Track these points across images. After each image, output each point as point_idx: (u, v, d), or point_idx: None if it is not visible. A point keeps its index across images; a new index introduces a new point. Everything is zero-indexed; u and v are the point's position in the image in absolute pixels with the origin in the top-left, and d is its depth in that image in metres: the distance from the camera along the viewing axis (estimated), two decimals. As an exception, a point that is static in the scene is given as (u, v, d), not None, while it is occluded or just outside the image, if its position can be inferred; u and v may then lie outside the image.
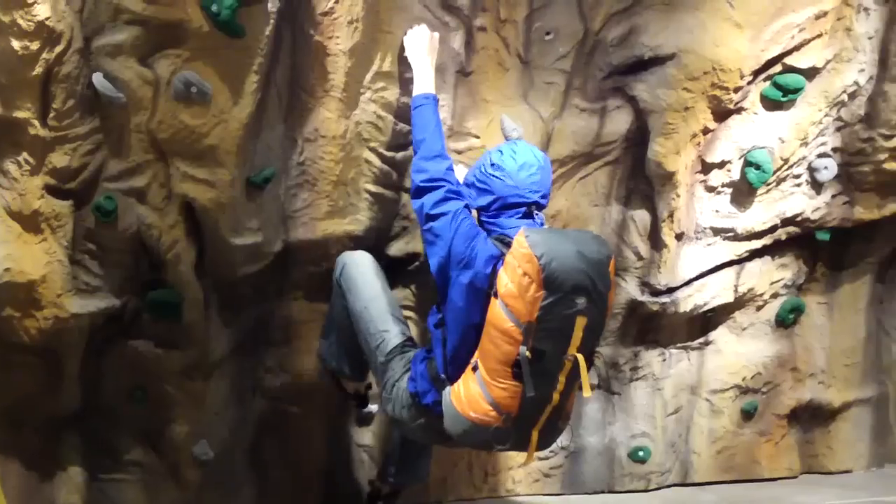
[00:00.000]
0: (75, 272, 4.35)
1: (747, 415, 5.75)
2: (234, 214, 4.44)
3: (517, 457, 5.29)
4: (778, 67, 5.01)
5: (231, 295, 4.70)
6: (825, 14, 4.94)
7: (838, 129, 5.26)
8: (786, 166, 5.21)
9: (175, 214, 4.40)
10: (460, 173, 4.55)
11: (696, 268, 5.34)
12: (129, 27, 4.08)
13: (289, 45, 4.35)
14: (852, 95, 5.17)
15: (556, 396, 3.90)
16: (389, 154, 4.65)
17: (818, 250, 5.68)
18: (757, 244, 5.42)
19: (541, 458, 5.46)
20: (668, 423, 5.64)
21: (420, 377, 4.15)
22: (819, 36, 4.98)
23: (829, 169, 5.29)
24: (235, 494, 4.99)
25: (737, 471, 5.82)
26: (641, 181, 5.07)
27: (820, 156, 5.29)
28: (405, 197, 4.75)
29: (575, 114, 4.88)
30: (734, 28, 4.80)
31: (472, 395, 3.90)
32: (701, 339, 5.63)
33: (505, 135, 4.70)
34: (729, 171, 5.16)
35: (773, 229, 5.40)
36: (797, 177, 5.30)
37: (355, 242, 4.66)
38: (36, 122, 4.03)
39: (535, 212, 4.06)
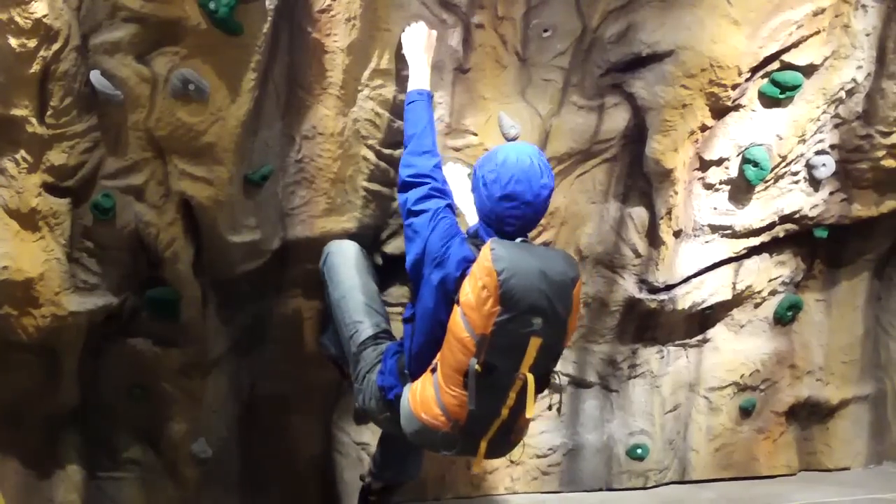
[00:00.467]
0: (73, 270, 4.35)
1: (745, 412, 5.76)
2: (232, 212, 4.43)
3: (516, 454, 5.32)
4: (776, 64, 5.01)
5: (229, 293, 4.70)
6: (823, 11, 4.93)
7: (836, 126, 5.26)
8: (784, 163, 5.21)
9: (173, 212, 4.40)
10: (459, 171, 4.55)
11: (694, 265, 5.34)
12: (126, 24, 4.07)
13: (286, 42, 4.35)
14: (850, 92, 5.17)
15: (504, 411, 3.86)
16: (387, 151, 4.64)
17: (816, 247, 5.68)
18: (755, 241, 5.42)
19: (539, 456, 5.47)
20: (666, 421, 5.64)
21: (389, 372, 4.16)
22: (817, 33, 4.98)
23: (826, 166, 5.29)
24: (233, 492, 4.99)
25: (735, 468, 5.82)
26: (639, 178, 5.07)
27: (818, 153, 5.29)
28: (402, 194, 4.76)
29: (573, 111, 4.88)
30: (732, 25, 4.79)
31: (426, 397, 3.90)
32: (699, 337, 5.64)
33: (503, 132, 4.70)
34: (727, 168, 5.16)
35: (770, 226, 5.40)
36: (795, 174, 5.30)
37: (352, 239, 4.65)
38: (33, 120, 4.03)
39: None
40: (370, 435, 5.14)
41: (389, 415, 4.18)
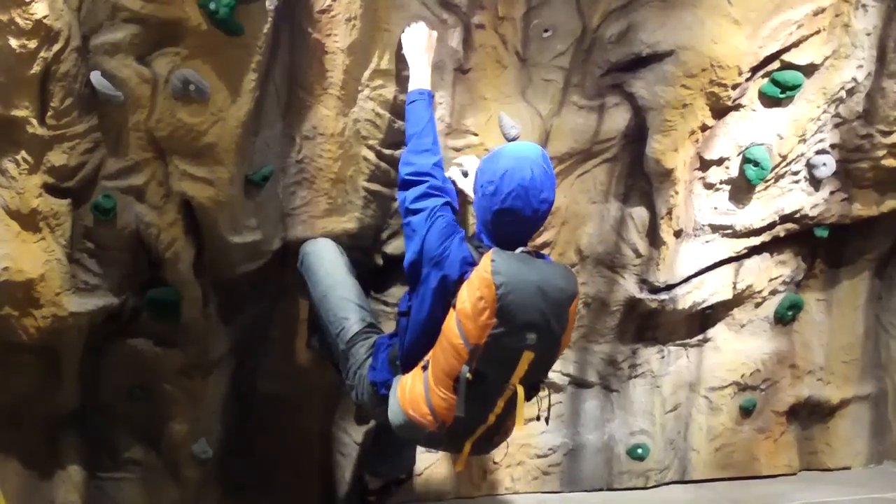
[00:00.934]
0: (74, 271, 4.35)
1: (746, 412, 5.76)
2: (233, 213, 4.43)
3: (516, 454, 5.33)
4: (776, 64, 5.01)
5: (230, 293, 4.70)
6: (823, 10, 4.94)
7: (836, 126, 5.26)
8: (784, 163, 5.21)
9: (174, 213, 4.40)
10: (474, 163, 4.54)
11: (694, 265, 5.34)
12: (127, 25, 4.07)
13: (287, 42, 4.35)
14: (850, 92, 5.17)
15: (491, 418, 3.89)
16: (387, 152, 4.64)
17: (817, 247, 5.69)
18: (755, 241, 5.42)
19: (539, 456, 5.47)
20: (666, 421, 5.65)
21: (381, 366, 4.16)
22: (817, 32, 4.98)
23: (827, 165, 5.29)
24: (234, 493, 4.99)
25: (735, 468, 5.82)
26: (640, 178, 5.07)
27: (818, 152, 5.29)
28: (402, 195, 4.76)
29: (573, 111, 4.88)
30: (732, 25, 4.79)
31: (415, 394, 3.90)
32: (699, 337, 5.64)
33: (503, 133, 4.70)
34: (727, 168, 5.16)
35: (771, 226, 5.40)
36: (795, 173, 5.30)
37: (353, 240, 4.67)
38: (34, 121, 4.02)
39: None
40: (372, 436, 5.14)
41: (383, 409, 4.17)
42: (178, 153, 4.29)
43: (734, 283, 5.51)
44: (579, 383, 5.49)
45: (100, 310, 4.42)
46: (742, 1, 4.78)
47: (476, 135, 4.74)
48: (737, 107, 5.04)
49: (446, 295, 3.88)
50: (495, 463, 5.39)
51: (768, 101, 5.07)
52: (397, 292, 4.84)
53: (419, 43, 4.41)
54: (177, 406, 4.76)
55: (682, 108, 4.87)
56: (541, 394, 4.01)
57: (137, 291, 4.54)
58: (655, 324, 5.46)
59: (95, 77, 4.06)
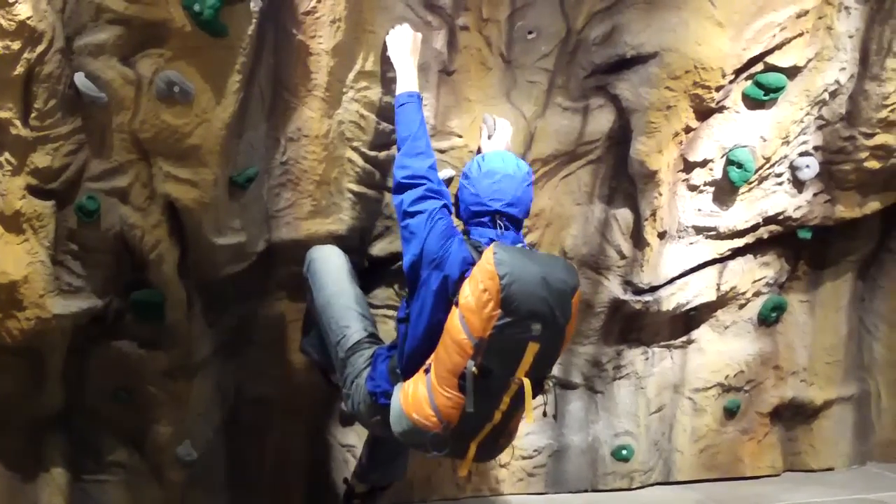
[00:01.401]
0: (57, 273, 4.33)
1: (730, 413, 5.77)
2: (217, 214, 4.43)
3: (502, 455, 5.31)
4: (759, 66, 5.03)
5: (214, 295, 4.69)
6: (806, 13, 4.95)
7: (820, 128, 5.28)
8: (767, 165, 5.23)
9: (158, 214, 4.39)
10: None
11: (678, 266, 5.35)
12: (111, 27, 4.06)
13: (271, 44, 4.34)
14: (833, 94, 5.19)
15: (497, 415, 3.88)
16: (372, 153, 4.64)
17: (800, 248, 5.70)
18: (739, 243, 5.43)
19: (524, 458, 5.47)
20: (651, 422, 5.65)
21: (379, 376, 4.16)
22: (800, 35, 5.00)
23: (810, 167, 5.30)
24: (219, 495, 4.98)
25: (720, 469, 5.83)
26: (624, 180, 5.08)
27: (801, 154, 5.30)
28: (388, 196, 4.75)
29: (558, 112, 4.89)
30: (716, 27, 4.81)
31: (418, 398, 3.90)
32: (684, 338, 5.65)
33: (488, 133, 4.70)
34: (711, 169, 5.18)
35: (755, 228, 5.41)
36: (779, 175, 5.32)
37: (338, 242, 4.65)
38: (17, 123, 4.01)
39: (503, 223, 4.04)
40: (356, 437, 5.14)
41: (380, 419, 4.17)
42: (162, 155, 4.28)
43: (718, 285, 5.52)
44: (564, 384, 5.49)
45: (84, 312, 4.41)
46: (726, 3, 4.80)
47: (460, 136, 4.74)
48: (720, 109, 5.05)
49: (447, 295, 3.89)
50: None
51: (752, 103, 5.08)
52: (382, 294, 4.85)
53: (404, 45, 4.42)
54: (161, 408, 4.74)
55: (666, 109, 4.89)
56: (546, 388, 4.02)
57: (121, 293, 4.52)
58: (640, 325, 5.47)
59: (79, 78, 4.05)
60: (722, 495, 5.60)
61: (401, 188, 4.13)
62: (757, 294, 5.68)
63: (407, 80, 4.37)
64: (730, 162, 5.13)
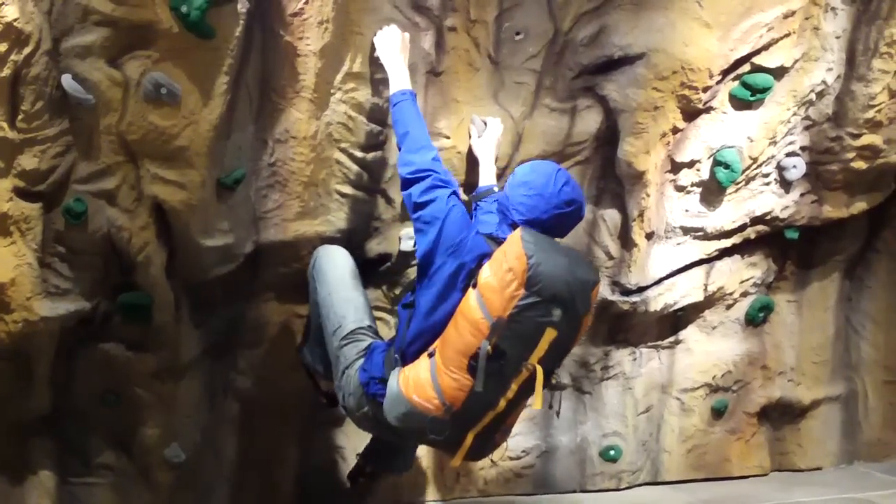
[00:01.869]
0: (45, 275, 4.31)
1: (718, 413, 5.78)
2: (205, 216, 4.42)
3: (490, 456, 5.31)
4: (747, 67, 5.03)
5: (202, 297, 4.68)
6: (793, 13, 4.96)
7: (807, 128, 5.29)
8: (755, 165, 5.23)
9: (145, 216, 4.38)
10: (478, 121, 4.67)
11: (666, 267, 5.36)
12: (98, 28, 4.05)
13: (259, 46, 4.34)
14: (820, 94, 5.20)
15: (502, 403, 3.88)
16: (360, 155, 4.64)
17: (787, 249, 5.71)
18: (726, 243, 5.44)
19: (512, 458, 5.47)
20: (638, 422, 5.66)
21: (373, 367, 4.14)
22: (787, 35, 5.00)
23: (797, 168, 5.31)
24: (207, 497, 4.97)
25: (707, 469, 5.84)
26: (612, 181, 5.09)
27: (788, 154, 5.31)
28: (375, 198, 4.76)
29: (545, 113, 4.89)
30: (703, 28, 4.81)
31: (419, 380, 3.89)
32: (671, 338, 5.65)
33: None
34: (698, 170, 5.18)
35: (742, 228, 5.42)
36: (766, 176, 5.33)
37: (326, 243, 4.64)
38: (4, 125, 3.99)
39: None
40: (345, 438, 5.14)
41: (368, 410, 4.18)
42: (149, 156, 4.27)
43: (705, 285, 5.53)
44: (552, 385, 5.47)
45: (71, 314, 4.39)
46: (713, 4, 4.80)
47: (448, 137, 4.74)
48: (707, 109, 5.06)
49: (458, 285, 3.91)
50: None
51: (739, 103, 5.09)
52: (371, 295, 4.83)
53: (393, 45, 4.42)
54: (149, 410, 4.74)
55: (653, 110, 4.89)
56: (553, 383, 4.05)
57: (109, 296, 4.51)
58: (627, 326, 5.48)
59: (66, 80, 4.04)
60: (710, 495, 5.61)
61: (408, 183, 4.15)
62: (744, 294, 5.69)
63: (399, 78, 4.37)
64: (717, 162, 5.14)
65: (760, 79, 5.04)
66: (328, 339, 4.39)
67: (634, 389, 5.62)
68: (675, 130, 5.01)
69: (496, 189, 4.49)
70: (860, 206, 5.57)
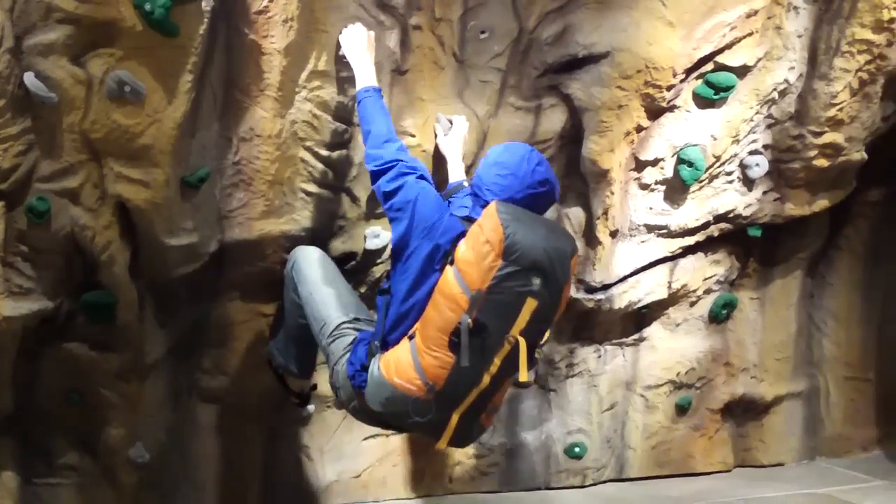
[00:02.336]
0: (7, 274, 4.28)
1: (681, 410, 5.81)
2: (169, 215, 4.40)
3: (455, 454, 5.33)
4: (710, 66, 5.07)
5: (166, 296, 4.66)
6: (756, 13, 4.99)
7: (769, 127, 5.32)
8: (718, 163, 5.27)
9: (109, 215, 4.36)
10: (443, 120, 4.69)
11: (630, 265, 5.38)
12: (60, 26, 4.02)
13: (223, 44, 4.33)
14: (783, 93, 5.23)
15: (486, 378, 3.86)
16: (325, 153, 4.63)
17: (750, 246, 5.75)
18: (690, 241, 5.47)
19: (477, 457, 5.48)
20: (603, 419, 5.68)
21: (358, 360, 4.12)
22: (750, 34, 5.04)
23: (760, 166, 5.35)
24: (172, 497, 4.95)
25: (672, 465, 5.87)
26: (576, 179, 5.11)
27: (751, 153, 5.35)
28: (341, 196, 4.75)
29: (510, 112, 4.90)
30: (667, 27, 4.84)
31: (401, 363, 3.89)
32: (635, 336, 5.68)
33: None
34: (662, 168, 5.21)
35: (705, 226, 5.45)
36: (729, 174, 5.36)
37: (291, 242, 4.64)
38: (-34, 123, 3.97)
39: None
40: (309, 437, 5.13)
41: (357, 404, 4.17)
42: (113, 155, 4.25)
43: (669, 283, 5.56)
44: (517, 384, 5.48)
45: (34, 314, 4.36)
46: (676, 3, 4.83)
47: (414, 136, 4.74)
48: (671, 108, 5.09)
49: (434, 266, 3.90)
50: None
51: (702, 102, 5.12)
52: (335, 294, 4.83)
53: (359, 42, 4.42)
54: (113, 410, 4.71)
55: (617, 109, 4.91)
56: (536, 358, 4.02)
57: (72, 295, 4.48)
58: (592, 323, 5.49)
59: (29, 78, 4.01)
60: (674, 492, 5.64)
61: (375, 176, 4.16)
62: (708, 291, 5.72)
63: (364, 75, 4.38)
64: (681, 160, 5.16)
65: (723, 77, 5.07)
66: (317, 339, 4.38)
67: (599, 387, 5.64)
68: (640, 129, 5.03)
69: (466, 184, 4.48)
70: (822, 203, 5.61)
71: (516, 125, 4.91)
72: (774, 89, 5.20)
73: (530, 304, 3.75)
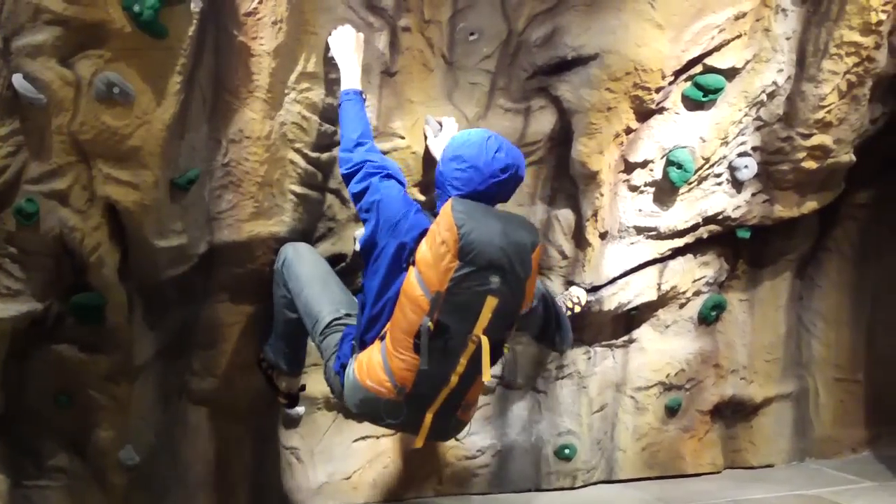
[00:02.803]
0: (-4, 276, 4.29)
1: (671, 411, 5.81)
2: (158, 216, 4.39)
3: (444, 456, 5.33)
4: (699, 68, 5.07)
5: (156, 298, 4.66)
6: (744, 15, 5.00)
7: (758, 129, 5.33)
8: (707, 165, 5.27)
9: (98, 217, 4.35)
10: (432, 122, 4.71)
11: (619, 266, 5.38)
12: (49, 27, 4.01)
13: (212, 45, 4.32)
14: (771, 95, 5.24)
15: (454, 378, 3.87)
16: (314, 155, 4.63)
17: (739, 248, 5.76)
18: (679, 242, 5.48)
19: (467, 458, 5.47)
20: (593, 421, 5.68)
21: (344, 356, 4.15)
22: (738, 37, 5.05)
23: (749, 168, 5.36)
24: (162, 498, 4.94)
25: (661, 467, 5.87)
26: (566, 181, 5.11)
27: (740, 155, 5.36)
28: (330, 198, 4.75)
29: (499, 114, 4.90)
30: (656, 29, 4.85)
31: (372, 364, 3.91)
32: (625, 337, 5.68)
33: (433, 134, 4.71)
34: (651, 170, 5.21)
35: (694, 228, 5.46)
36: (718, 176, 5.37)
37: (280, 244, 4.64)
38: (-45, 125, 3.97)
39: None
40: (299, 439, 5.13)
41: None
42: (102, 157, 4.24)
43: (658, 285, 5.56)
44: (507, 385, 5.50)
45: (23, 315, 4.36)
46: (665, 5, 4.84)
47: (403, 138, 4.74)
48: (660, 110, 5.09)
49: (399, 260, 3.91)
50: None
51: (691, 104, 5.13)
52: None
53: (347, 44, 4.43)
54: (102, 412, 4.70)
55: (606, 111, 4.92)
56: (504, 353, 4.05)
57: (61, 297, 4.48)
58: (581, 325, 5.48)
59: (17, 80, 4.01)
60: (664, 493, 5.64)
61: (347, 179, 4.21)
62: (697, 293, 5.73)
63: (349, 77, 4.40)
64: (670, 162, 5.17)
65: (712, 79, 5.08)
66: (311, 336, 4.41)
67: (589, 388, 5.64)
68: (629, 131, 5.04)
69: None
70: (811, 205, 5.62)
71: (505, 127, 4.90)
72: (763, 91, 5.21)
73: (490, 303, 3.76)
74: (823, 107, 5.23)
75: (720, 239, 5.62)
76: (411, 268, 3.80)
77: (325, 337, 4.30)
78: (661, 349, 5.74)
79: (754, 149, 5.37)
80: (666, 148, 5.17)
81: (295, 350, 4.64)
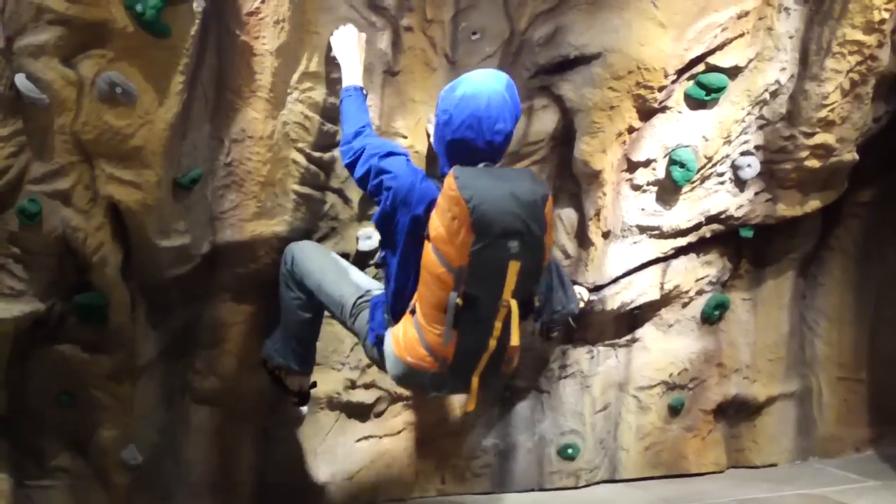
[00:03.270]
0: (-1, 276, 4.29)
1: (674, 411, 5.81)
2: (161, 216, 4.40)
3: (447, 455, 5.33)
4: (701, 66, 5.07)
5: (158, 297, 4.66)
6: (747, 14, 5.00)
7: (761, 128, 5.33)
8: (710, 164, 5.27)
9: (101, 217, 4.36)
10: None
11: (622, 266, 5.38)
12: (51, 27, 4.02)
13: (215, 45, 4.33)
14: (774, 94, 5.24)
15: (492, 343, 3.84)
16: (317, 154, 4.64)
17: (742, 247, 5.76)
18: (682, 242, 5.47)
19: (470, 457, 5.48)
20: (596, 421, 5.67)
21: (378, 325, 4.15)
22: (741, 35, 5.05)
23: (752, 167, 5.35)
24: (165, 498, 4.94)
25: (664, 466, 5.87)
26: (568, 180, 5.11)
27: (743, 154, 5.35)
28: (333, 197, 4.75)
29: (501, 113, 4.90)
30: (658, 28, 4.84)
31: (409, 339, 3.89)
32: (628, 337, 5.68)
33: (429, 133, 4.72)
34: (654, 169, 5.21)
35: (697, 227, 5.45)
36: (721, 175, 5.36)
37: (283, 244, 4.64)
38: (-43, 125, 3.97)
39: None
40: (304, 438, 5.12)
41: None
42: (104, 156, 4.25)
43: (661, 284, 5.55)
44: (509, 385, 5.50)
45: (26, 315, 4.36)
46: (668, 4, 4.83)
47: (405, 137, 4.74)
48: (663, 109, 5.09)
49: (416, 233, 3.87)
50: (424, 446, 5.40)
51: (694, 103, 5.13)
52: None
53: (349, 42, 4.43)
54: (105, 412, 4.70)
55: (609, 110, 4.91)
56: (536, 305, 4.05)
57: (64, 297, 4.48)
58: (584, 324, 5.49)
59: (20, 80, 4.02)
60: (667, 493, 5.63)
61: (350, 169, 4.17)
62: (700, 292, 5.72)
63: (350, 75, 4.39)
64: (672, 161, 5.17)
65: (715, 78, 5.07)
66: (342, 323, 4.42)
67: (592, 388, 5.64)
68: (631, 130, 5.03)
69: None
70: (814, 204, 5.62)
71: (508, 126, 4.90)
72: (766, 90, 5.21)
73: (514, 267, 3.72)
74: (826, 105, 5.23)
75: (723, 238, 5.61)
76: (427, 243, 3.76)
77: (356, 317, 4.30)
78: (664, 348, 5.74)
79: (757, 147, 5.37)
80: (669, 147, 5.16)
81: (306, 349, 4.65)
